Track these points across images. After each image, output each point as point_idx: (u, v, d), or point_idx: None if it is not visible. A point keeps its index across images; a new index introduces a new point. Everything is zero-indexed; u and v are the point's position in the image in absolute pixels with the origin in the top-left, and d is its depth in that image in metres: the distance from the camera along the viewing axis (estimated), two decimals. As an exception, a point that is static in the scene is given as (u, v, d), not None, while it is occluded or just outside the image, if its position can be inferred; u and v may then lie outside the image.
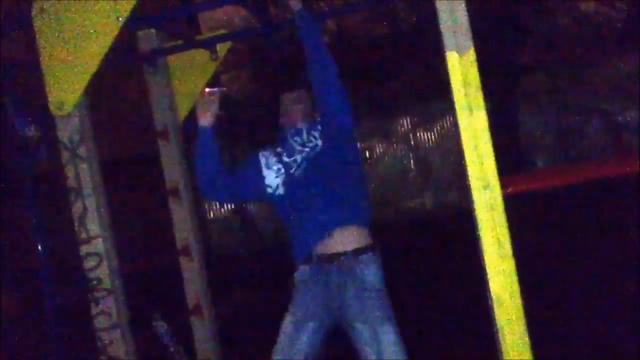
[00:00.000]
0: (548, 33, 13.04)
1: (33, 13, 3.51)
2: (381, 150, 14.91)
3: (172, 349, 3.28)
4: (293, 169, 3.20)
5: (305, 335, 3.11)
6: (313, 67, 3.15)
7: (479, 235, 2.53)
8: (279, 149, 3.27)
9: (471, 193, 2.53)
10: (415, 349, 3.27)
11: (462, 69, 2.51)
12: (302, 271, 3.20)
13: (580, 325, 5.26)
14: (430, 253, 9.17)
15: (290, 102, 3.33)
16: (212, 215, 14.41)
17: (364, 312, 3.07)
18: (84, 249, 3.61)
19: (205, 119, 3.23)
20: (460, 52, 2.51)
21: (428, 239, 10.51)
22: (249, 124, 12.76)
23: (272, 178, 3.23)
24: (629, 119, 13.59)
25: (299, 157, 3.22)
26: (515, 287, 2.49)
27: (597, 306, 5.61)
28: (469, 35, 2.52)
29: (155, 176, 4.87)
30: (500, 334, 2.52)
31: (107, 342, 3.61)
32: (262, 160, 3.27)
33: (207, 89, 3.22)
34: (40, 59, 3.51)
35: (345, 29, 14.00)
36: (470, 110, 2.52)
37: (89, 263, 3.60)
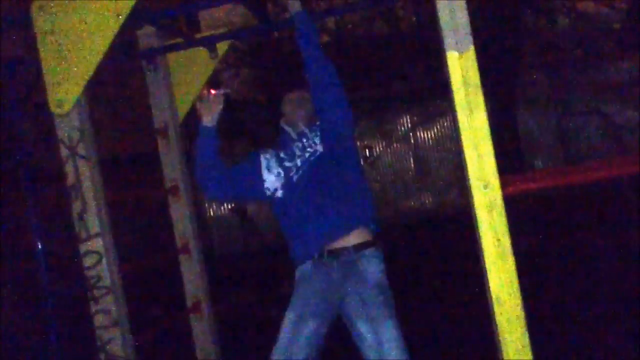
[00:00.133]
0: (548, 33, 13.04)
1: (33, 12, 3.51)
2: (381, 149, 14.92)
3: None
4: (292, 173, 3.21)
5: (306, 333, 3.11)
6: (310, 71, 3.14)
7: (478, 234, 2.52)
8: (281, 154, 3.27)
9: (471, 192, 2.52)
10: (416, 348, 3.27)
11: (462, 69, 2.50)
12: (303, 268, 3.20)
13: (579, 325, 5.26)
14: (429, 252, 9.18)
15: (293, 104, 3.33)
16: (211, 213, 14.41)
17: (365, 310, 3.07)
18: (83, 247, 3.61)
19: (208, 119, 3.25)
20: (460, 51, 2.50)
21: (427, 239, 10.52)
22: (248, 123, 12.76)
23: (272, 181, 3.24)
24: (628, 119, 13.58)
25: (299, 161, 3.22)
26: (515, 287, 2.49)
27: (597, 306, 5.61)
28: (469, 34, 2.52)
29: (155, 174, 4.87)
30: (499, 334, 2.51)
31: (106, 340, 3.61)
32: (264, 162, 3.27)
33: (211, 90, 3.22)
34: (40, 57, 3.51)
35: (345, 28, 13.99)
36: (470, 109, 2.51)
37: (89, 261, 3.60)
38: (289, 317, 3.16)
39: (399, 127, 14.95)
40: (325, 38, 13.77)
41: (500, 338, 2.51)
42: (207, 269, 4.77)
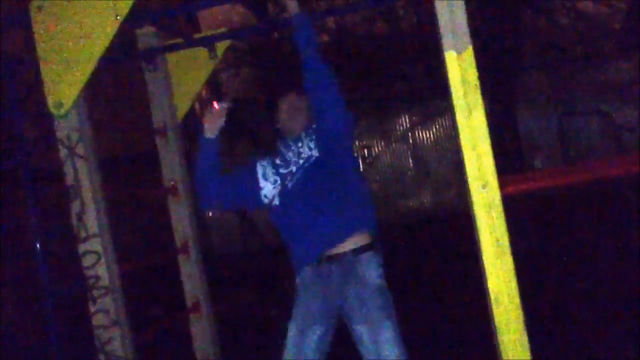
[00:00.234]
0: (547, 33, 13.03)
1: (32, 11, 3.51)
2: (380, 149, 14.92)
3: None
4: (287, 180, 3.20)
5: (311, 342, 3.12)
6: (308, 72, 3.13)
7: (477, 234, 2.52)
8: (277, 160, 3.26)
9: (470, 192, 2.53)
10: (416, 349, 3.27)
11: (460, 69, 2.51)
12: (304, 274, 3.20)
13: (579, 325, 5.26)
14: (428, 252, 9.18)
15: (288, 109, 3.30)
16: (211, 213, 14.41)
17: (364, 313, 3.07)
18: (82, 247, 3.61)
19: (211, 131, 3.26)
20: (459, 51, 2.51)
21: (426, 239, 10.52)
22: (248, 123, 12.75)
23: (269, 189, 3.24)
24: (628, 119, 13.59)
25: (293, 168, 3.21)
26: (514, 287, 2.49)
27: (597, 306, 5.61)
28: (468, 34, 2.52)
29: (154, 174, 4.87)
30: (498, 333, 2.52)
31: (105, 340, 3.61)
32: (260, 170, 3.27)
33: (215, 103, 3.23)
34: (39, 57, 3.51)
35: (345, 28, 13.99)
36: (469, 109, 2.52)
37: (88, 261, 3.60)
38: (293, 327, 3.17)
39: (397, 127, 14.96)
40: (326, 38, 13.77)
41: (499, 338, 2.52)
42: (207, 269, 4.77)
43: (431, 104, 13.94)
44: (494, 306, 2.51)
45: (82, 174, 3.59)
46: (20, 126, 3.82)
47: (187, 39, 4.77)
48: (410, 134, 14.93)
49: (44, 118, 3.75)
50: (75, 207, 3.61)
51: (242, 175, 3.32)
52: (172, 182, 4.67)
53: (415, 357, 3.25)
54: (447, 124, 14.26)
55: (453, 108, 2.54)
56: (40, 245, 3.70)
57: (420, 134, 14.88)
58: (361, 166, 14.53)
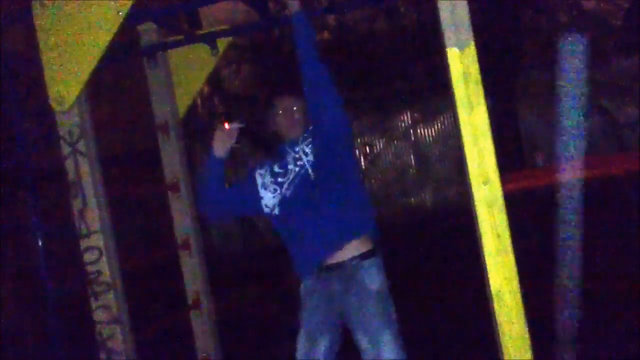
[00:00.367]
0: (549, 30, 13.03)
1: (33, 8, 3.51)
2: (381, 146, 14.92)
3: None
4: (284, 189, 3.18)
5: (320, 349, 3.12)
6: (306, 71, 3.09)
7: (478, 231, 2.53)
8: (275, 167, 3.24)
9: (471, 189, 2.53)
10: (416, 346, 3.27)
11: (462, 65, 2.51)
12: (306, 283, 3.20)
13: (579, 322, 5.26)
14: (430, 249, 9.18)
15: (283, 113, 3.25)
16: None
17: (364, 321, 3.06)
18: (84, 243, 3.62)
19: (220, 151, 3.25)
20: (461, 48, 2.51)
21: (428, 236, 10.52)
22: (249, 120, 12.73)
23: (269, 198, 3.22)
24: (629, 116, 13.58)
25: (291, 176, 3.18)
26: (515, 283, 2.50)
27: (597, 303, 5.61)
28: (470, 31, 2.52)
29: (155, 171, 4.87)
30: (499, 330, 2.52)
31: (106, 336, 3.62)
32: (259, 180, 3.25)
33: (226, 124, 3.22)
34: (41, 53, 3.51)
35: (346, 25, 13.98)
36: (471, 106, 2.52)
37: (89, 257, 3.61)
38: (302, 335, 3.18)
39: (399, 125, 14.95)
40: (327, 35, 13.76)
41: (500, 334, 2.52)
42: (207, 266, 4.77)
43: (433, 101, 13.94)
44: (495, 303, 2.51)
45: (83, 171, 3.59)
46: (21, 125, 3.83)
47: (188, 35, 4.77)
48: (411, 131, 14.92)
49: (44, 116, 3.76)
50: (76, 203, 3.62)
51: (243, 186, 3.31)
52: (173, 179, 4.67)
53: (417, 356, 3.25)
54: (449, 120, 14.26)
55: (455, 105, 2.54)
56: (40, 244, 3.71)
57: (422, 131, 14.88)
58: (363, 164, 14.53)
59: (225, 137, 3.24)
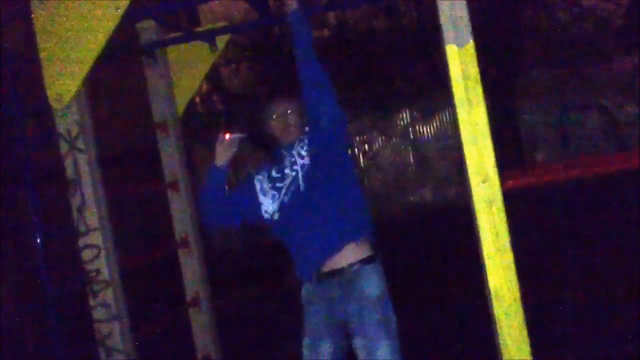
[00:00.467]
0: (548, 28, 13.03)
1: (32, 5, 3.50)
2: (380, 144, 14.92)
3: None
4: (282, 194, 3.17)
5: (323, 355, 3.11)
6: (303, 69, 3.08)
7: (477, 229, 2.52)
8: (273, 172, 3.22)
9: (470, 187, 2.52)
10: (415, 345, 3.27)
11: (461, 63, 2.50)
12: (306, 290, 3.19)
13: (579, 321, 5.26)
14: (429, 247, 9.18)
15: (279, 119, 3.22)
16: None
17: (362, 328, 3.04)
18: (82, 241, 3.61)
19: (221, 161, 3.25)
20: (460, 45, 2.50)
21: (427, 234, 10.51)
22: (248, 118, 12.74)
23: (269, 204, 3.20)
24: (628, 114, 13.58)
25: (288, 181, 3.16)
26: (514, 281, 2.49)
27: (597, 302, 5.61)
28: (469, 29, 2.52)
29: (154, 168, 4.86)
30: (498, 328, 2.52)
31: (105, 333, 3.62)
32: (257, 186, 3.23)
33: (227, 135, 3.22)
34: (39, 51, 3.51)
35: (345, 23, 13.98)
36: (470, 104, 2.51)
37: (88, 255, 3.61)
38: (305, 343, 3.17)
39: (398, 123, 14.95)
40: (326, 33, 13.76)
41: (499, 333, 2.52)
42: (207, 264, 4.77)
43: (432, 99, 13.93)
44: (494, 302, 2.51)
45: (82, 168, 3.59)
46: (20, 124, 3.82)
47: (187, 33, 4.76)
48: (411, 129, 14.93)
49: (44, 115, 3.75)
50: (75, 201, 3.61)
51: (242, 193, 3.30)
52: (172, 177, 4.66)
53: (416, 354, 3.25)
54: (448, 119, 14.26)
55: (454, 103, 2.54)
56: (40, 244, 3.70)
57: (421, 130, 14.88)
58: (362, 162, 14.53)
59: (225, 147, 3.24)
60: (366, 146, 14.71)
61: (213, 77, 12.76)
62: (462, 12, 2.52)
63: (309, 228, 3.09)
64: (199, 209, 3.36)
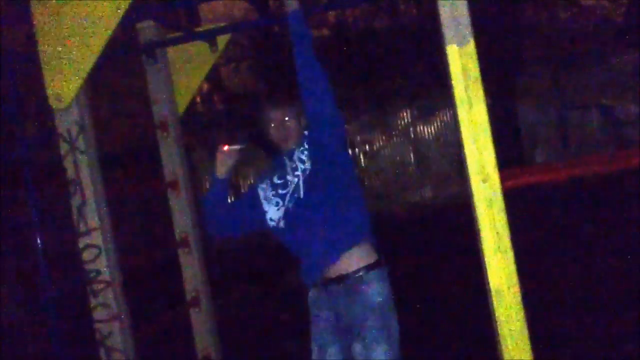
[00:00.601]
0: (549, 27, 13.03)
1: (32, 4, 3.50)
2: (381, 143, 14.92)
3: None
4: (287, 201, 3.17)
5: (332, 358, 3.11)
6: (301, 69, 3.07)
7: (478, 228, 2.52)
8: (275, 178, 3.22)
9: (470, 186, 2.52)
10: (415, 343, 3.26)
11: (462, 62, 2.50)
12: (312, 295, 3.19)
13: (579, 320, 5.26)
14: (429, 246, 9.18)
15: (277, 126, 3.22)
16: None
17: (362, 332, 3.03)
18: (82, 241, 3.61)
19: (222, 173, 3.26)
20: (460, 44, 2.50)
21: (427, 233, 10.51)
22: (248, 117, 12.75)
23: (274, 211, 3.20)
24: (629, 113, 13.58)
25: (290, 189, 3.16)
26: (514, 281, 2.49)
27: (598, 301, 5.61)
28: (469, 28, 2.51)
29: (155, 168, 4.86)
30: (499, 327, 2.52)
31: (105, 333, 3.62)
32: (261, 194, 3.23)
33: (225, 147, 3.23)
34: (39, 51, 3.51)
35: (345, 22, 13.98)
36: (470, 103, 2.51)
37: (88, 255, 3.61)
38: (313, 346, 3.17)
39: (399, 121, 14.96)
40: (326, 32, 13.76)
41: (500, 332, 2.51)
42: (207, 263, 4.77)
43: (432, 97, 13.94)
44: (494, 300, 2.51)
45: (82, 168, 3.59)
46: (21, 123, 3.83)
47: (187, 32, 4.76)
48: (411, 128, 14.93)
49: (44, 114, 3.75)
50: (75, 201, 3.61)
51: (247, 202, 3.30)
52: (172, 177, 4.66)
53: (417, 354, 3.24)
54: (448, 118, 14.26)
55: (454, 102, 2.54)
56: (40, 244, 3.70)
57: (421, 128, 14.88)
58: (362, 161, 14.53)
59: (225, 158, 3.25)
60: (367, 145, 14.71)
61: (213, 76, 12.76)
62: (462, 11, 2.52)
63: (312, 234, 3.09)
64: (205, 221, 3.37)
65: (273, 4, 11.63)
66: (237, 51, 13.54)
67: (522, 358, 2.49)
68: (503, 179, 2.50)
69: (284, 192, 3.18)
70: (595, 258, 6.93)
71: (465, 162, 2.52)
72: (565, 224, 8.81)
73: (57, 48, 3.48)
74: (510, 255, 2.49)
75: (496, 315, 2.51)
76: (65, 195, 3.65)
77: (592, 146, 13.79)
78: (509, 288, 2.49)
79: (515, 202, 2.97)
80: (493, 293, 2.50)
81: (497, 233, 2.48)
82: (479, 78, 2.51)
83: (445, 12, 2.52)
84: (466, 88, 2.50)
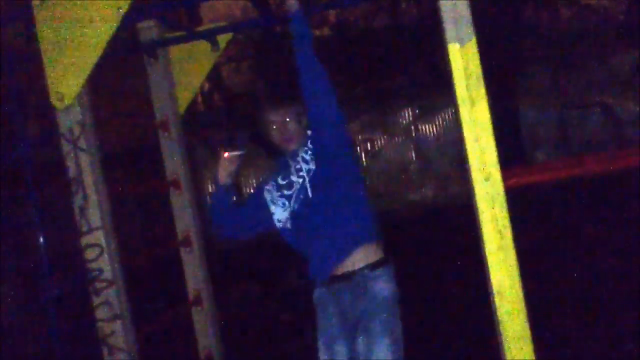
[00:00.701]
0: (549, 26, 13.02)
1: (34, 4, 3.50)
2: (383, 142, 14.92)
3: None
4: (292, 202, 3.18)
5: (338, 356, 3.11)
6: (302, 70, 3.07)
7: (480, 227, 2.52)
8: (279, 179, 3.23)
9: (472, 185, 2.52)
10: (416, 342, 3.26)
11: (463, 61, 2.50)
12: (318, 292, 3.20)
13: (580, 320, 5.26)
14: (431, 245, 9.18)
15: (281, 125, 3.21)
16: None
17: (366, 326, 3.04)
18: (84, 240, 3.62)
19: (224, 179, 3.27)
20: (462, 43, 2.50)
21: (429, 232, 10.52)
22: (248, 114, 12.75)
23: (280, 213, 3.21)
24: (630, 111, 13.58)
25: (295, 189, 3.17)
26: (516, 280, 2.49)
27: (599, 300, 5.61)
28: (471, 26, 2.51)
29: (156, 167, 4.87)
30: (501, 327, 2.51)
31: (108, 333, 3.62)
32: (267, 197, 3.24)
33: (226, 154, 3.24)
34: (41, 50, 3.51)
35: (346, 22, 13.98)
36: (472, 102, 2.51)
37: (90, 254, 3.61)
38: (320, 344, 3.17)
39: (400, 120, 14.96)
40: (327, 31, 13.76)
41: (502, 332, 2.51)
42: (209, 262, 4.77)
43: (433, 96, 13.93)
44: (496, 300, 2.50)
45: (84, 168, 3.59)
46: (21, 121, 3.82)
47: (188, 32, 4.75)
48: (412, 127, 14.93)
49: (46, 113, 3.75)
50: (77, 200, 3.61)
51: (254, 205, 3.31)
52: (174, 175, 4.66)
53: (417, 353, 3.24)
54: (450, 116, 14.26)
55: (455, 101, 2.53)
56: (42, 241, 3.70)
57: (423, 127, 14.88)
58: (364, 160, 14.53)
59: (227, 165, 3.25)
60: (368, 144, 14.71)
61: (214, 76, 12.77)
62: (463, 9, 2.51)
63: (319, 234, 3.11)
64: (212, 226, 3.38)
65: (274, 3, 11.63)
66: (237, 50, 13.54)
67: (524, 358, 2.49)
68: (505, 178, 2.50)
69: (289, 193, 3.18)
70: (595, 258, 6.93)
71: (467, 161, 2.52)
72: (566, 223, 8.81)
73: (58, 48, 3.48)
74: (512, 254, 2.49)
75: (498, 315, 2.51)
76: (66, 194, 3.65)
77: (593, 145, 13.79)
78: (510, 287, 2.49)
79: (517, 201, 2.96)
80: (495, 292, 2.50)
81: (499, 232, 2.48)
82: (481, 76, 2.50)
83: (446, 10, 2.52)
84: (468, 87, 2.50)
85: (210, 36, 4.70)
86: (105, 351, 3.64)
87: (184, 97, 4.84)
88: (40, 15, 3.49)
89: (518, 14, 11.66)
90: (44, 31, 3.49)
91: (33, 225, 3.74)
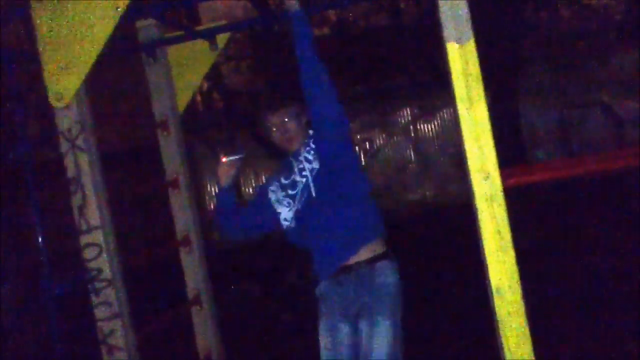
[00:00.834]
0: (549, 26, 13.01)
1: (32, 3, 3.50)
2: (382, 142, 14.92)
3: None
4: (297, 201, 3.19)
5: (341, 339, 3.12)
6: (304, 70, 3.07)
7: (479, 227, 2.52)
8: (282, 179, 3.25)
9: (471, 184, 2.52)
10: (416, 340, 3.26)
11: (462, 60, 2.49)
12: (322, 286, 3.22)
13: (579, 320, 5.26)
14: (430, 245, 9.18)
15: (282, 126, 3.23)
16: (212, 206, 14.41)
17: (368, 309, 3.07)
18: (83, 240, 3.61)
19: (225, 182, 3.30)
20: (461, 42, 2.49)
21: (428, 231, 10.52)
22: (248, 113, 12.74)
23: (286, 212, 3.23)
24: (630, 111, 13.57)
25: (299, 189, 3.18)
26: (516, 279, 2.48)
27: (599, 300, 5.61)
28: (470, 26, 2.51)
29: (155, 167, 4.86)
30: (500, 326, 2.51)
31: (107, 332, 3.62)
32: (272, 197, 3.27)
33: (224, 158, 3.25)
34: (39, 49, 3.50)
35: (346, 21, 13.97)
36: (471, 101, 2.50)
37: (89, 254, 3.61)
38: (322, 329, 3.18)
39: (399, 120, 14.95)
40: (327, 30, 13.75)
41: (501, 331, 2.51)
42: (208, 262, 4.77)
43: (432, 96, 13.93)
44: (495, 299, 2.50)
45: (83, 167, 3.59)
46: (22, 121, 3.82)
47: (187, 31, 4.75)
48: (412, 126, 14.93)
49: (45, 112, 3.75)
50: (76, 199, 3.61)
51: (259, 206, 3.33)
52: (173, 175, 4.66)
53: (417, 353, 3.24)
54: (449, 116, 14.26)
55: (454, 100, 2.53)
56: (42, 241, 3.70)
57: (422, 126, 14.88)
58: (363, 159, 14.54)
59: (226, 169, 3.27)
60: (367, 144, 14.71)
61: (213, 75, 12.76)
62: (462, 8, 2.51)
63: (326, 231, 3.13)
64: (217, 228, 3.41)
65: (273, 2, 11.64)
66: (237, 49, 13.54)
67: (524, 358, 2.49)
68: (504, 177, 2.49)
69: (293, 192, 3.20)
70: (595, 258, 6.93)
71: (466, 160, 2.52)
72: (566, 223, 8.81)
73: (57, 47, 3.48)
74: (511, 253, 2.49)
75: (497, 314, 2.50)
76: (65, 193, 3.64)
77: (593, 145, 13.79)
78: (510, 287, 2.49)
79: (516, 200, 2.96)
80: (494, 292, 2.50)
81: (499, 231, 2.48)
82: (480, 76, 2.50)
83: (445, 9, 2.52)
84: (467, 86, 2.50)
85: (209, 35, 4.70)
86: (104, 351, 3.63)
87: (183, 97, 4.84)
88: (39, 14, 3.49)
89: (518, 14, 11.64)
90: (42, 30, 3.49)
91: (32, 225, 3.74)
